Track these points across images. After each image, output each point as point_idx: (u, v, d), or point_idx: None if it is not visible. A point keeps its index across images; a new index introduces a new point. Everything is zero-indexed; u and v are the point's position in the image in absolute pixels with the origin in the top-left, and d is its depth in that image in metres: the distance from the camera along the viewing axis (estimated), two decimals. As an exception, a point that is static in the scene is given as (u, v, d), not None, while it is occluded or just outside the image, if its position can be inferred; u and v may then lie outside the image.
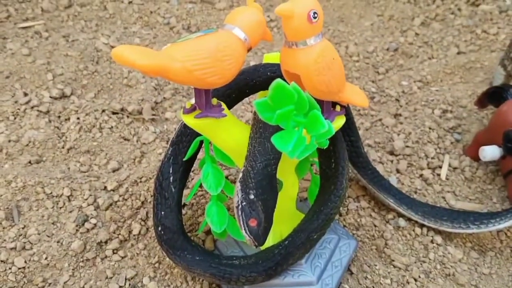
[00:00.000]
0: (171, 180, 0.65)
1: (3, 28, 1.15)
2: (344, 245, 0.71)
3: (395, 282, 0.70)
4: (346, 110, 0.74)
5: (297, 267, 0.66)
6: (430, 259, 0.73)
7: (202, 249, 0.64)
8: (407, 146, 0.89)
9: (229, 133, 0.58)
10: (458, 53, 1.14)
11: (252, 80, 0.64)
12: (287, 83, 0.49)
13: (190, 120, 0.56)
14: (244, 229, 0.54)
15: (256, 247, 0.55)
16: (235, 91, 0.65)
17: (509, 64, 0.98)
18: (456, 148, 0.90)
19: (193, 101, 0.57)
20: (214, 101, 0.57)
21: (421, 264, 0.72)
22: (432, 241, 0.75)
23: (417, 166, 0.86)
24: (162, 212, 0.64)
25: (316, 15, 0.51)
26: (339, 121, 0.62)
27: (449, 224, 0.74)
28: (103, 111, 0.94)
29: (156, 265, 0.69)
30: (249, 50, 0.55)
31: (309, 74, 0.54)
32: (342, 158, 0.65)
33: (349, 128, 0.75)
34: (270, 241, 0.66)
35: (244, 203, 0.54)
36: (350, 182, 0.81)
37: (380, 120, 0.95)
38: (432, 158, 0.87)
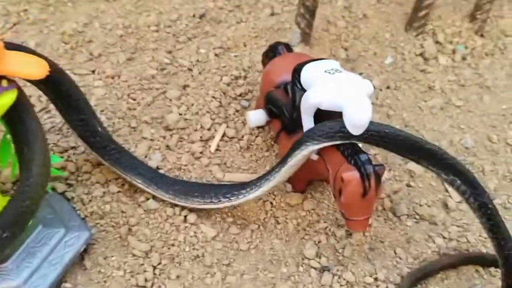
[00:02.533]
0: None
1: None
2: (71, 239, 0.63)
3: (128, 273, 0.63)
4: (65, 86, 0.66)
5: (1, 270, 0.58)
6: (179, 241, 0.66)
7: None
8: (185, 119, 0.81)
9: None
10: (271, 14, 1.07)
11: None
12: None
13: None
14: None
15: None
16: None
17: (302, 21, 0.92)
18: (242, 116, 0.83)
19: None
20: None
21: (168, 248, 0.65)
22: (184, 221, 0.68)
23: (188, 140, 0.78)
24: None
25: None
26: (7, 97, 0.53)
27: (200, 200, 0.67)
28: None
29: None
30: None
31: None
32: (33, 141, 0.57)
33: (77, 106, 0.66)
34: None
35: None
36: (101, 167, 0.72)
37: (164, 92, 0.86)
38: (208, 129, 0.80)
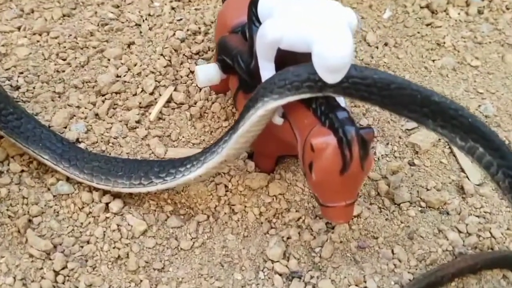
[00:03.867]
0: None
1: None
2: None
3: (20, 280, 0.45)
4: None
5: None
6: (96, 237, 0.49)
7: None
8: (123, 82, 0.64)
9: None
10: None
11: None
12: None
13: None
14: None
15: None
16: None
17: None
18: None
19: None
20: None
21: (80, 247, 0.48)
22: (106, 210, 0.50)
23: (123, 107, 0.61)
24: None
25: None
26: None
27: (126, 182, 0.49)
28: None
29: None
30: None
31: None
32: None
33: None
34: None
35: None
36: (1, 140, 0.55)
37: (102, 51, 0.69)
38: (151, 94, 0.62)
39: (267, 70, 0.45)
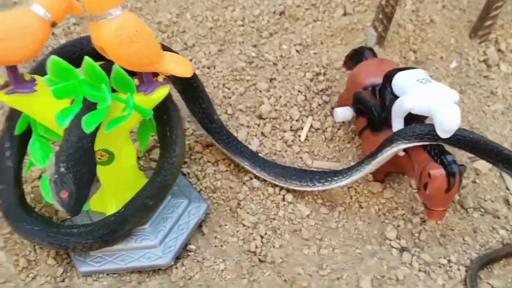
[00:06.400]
0: (7, 155, 0.66)
1: None
2: (193, 209, 0.74)
3: (241, 240, 0.74)
4: (194, 79, 0.76)
5: (140, 232, 0.70)
6: (279, 216, 0.78)
7: (42, 219, 0.67)
8: (275, 110, 0.92)
9: (46, 107, 0.59)
10: (344, 14, 1.16)
11: (75, 53, 0.65)
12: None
13: (2, 97, 0.57)
14: (57, 201, 0.56)
15: (71, 216, 0.57)
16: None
17: (379, 26, 1.01)
18: (324, 109, 0.93)
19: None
20: (27, 76, 0.58)
21: (270, 221, 0.77)
22: (283, 199, 0.79)
23: (280, 129, 0.89)
24: (1, 186, 0.66)
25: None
26: (161, 91, 0.64)
27: (298, 183, 0.78)
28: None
29: (7, 235, 0.71)
30: (54, 25, 0.55)
31: (112, 47, 0.55)
32: (176, 126, 0.68)
33: (199, 96, 0.77)
34: (115, 209, 0.68)
35: (56, 176, 0.56)
36: (210, 147, 0.84)
37: (255, 84, 0.97)
38: (296, 120, 0.90)
39: (398, 124, 0.74)
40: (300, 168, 0.83)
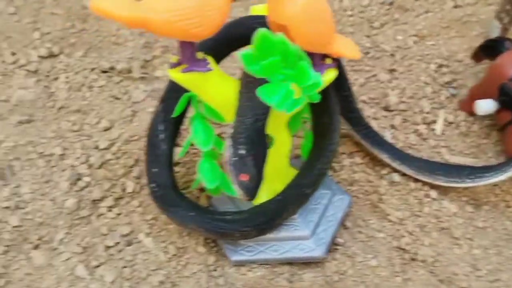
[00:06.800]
0: (161, 138, 0.64)
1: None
2: (338, 201, 0.71)
3: (390, 236, 0.70)
4: (338, 65, 0.73)
5: (291, 222, 0.66)
6: (425, 213, 0.73)
7: (195, 205, 0.64)
8: (402, 102, 0.88)
9: (217, 88, 0.57)
10: (455, 6, 1.10)
11: (239, 33, 0.62)
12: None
13: (176, 75, 0.54)
14: (236, 184, 0.53)
15: (249, 200, 0.55)
16: (221, 45, 0.63)
17: (505, 17, 0.95)
18: (452, 103, 0.88)
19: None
20: (200, 55, 0.56)
21: (415, 218, 0.73)
22: (426, 196, 0.75)
23: (411, 121, 0.85)
24: (154, 169, 0.64)
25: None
26: (330, 74, 0.60)
27: (444, 178, 0.74)
28: (92, 69, 0.92)
29: (152, 221, 0.69)
30: (234, 0, 0.53)
31: (296, 24, 0.52)
32: (334, 112, 0.64)
33: (341, 83, 0.73)
34: (264, 198, 0.65)
35: (235, 158, 0.53)
36: (344, 138, 0.80)
37: (375, 75, 0.93)
38: (427, 113, 0.86)
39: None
40: (443, 162, 0.78)
